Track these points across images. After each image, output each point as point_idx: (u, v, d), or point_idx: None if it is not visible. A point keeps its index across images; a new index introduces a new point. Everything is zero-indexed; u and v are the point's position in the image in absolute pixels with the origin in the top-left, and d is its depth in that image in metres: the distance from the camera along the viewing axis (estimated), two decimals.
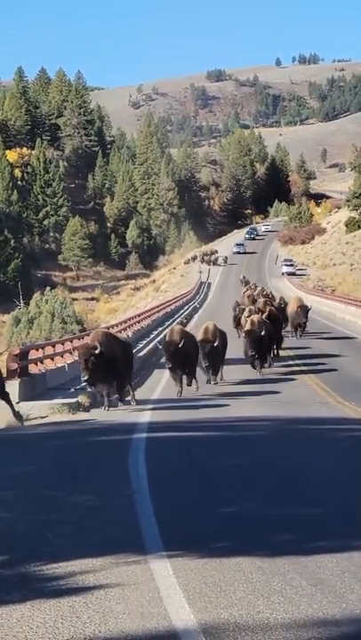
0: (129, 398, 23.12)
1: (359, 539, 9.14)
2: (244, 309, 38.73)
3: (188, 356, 25.30)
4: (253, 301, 43.05)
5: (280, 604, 6.98)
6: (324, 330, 48.11)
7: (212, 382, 27.36)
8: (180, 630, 6.40)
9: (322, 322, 52.85)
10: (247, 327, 30.11)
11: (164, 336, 28.00)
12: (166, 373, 28.32)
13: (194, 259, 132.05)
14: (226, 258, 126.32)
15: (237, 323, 39.91)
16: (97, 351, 21.24)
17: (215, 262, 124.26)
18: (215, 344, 26.51)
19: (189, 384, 25.70)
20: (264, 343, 30.08)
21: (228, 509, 10.43)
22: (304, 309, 43.17)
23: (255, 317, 31.14)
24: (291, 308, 44.09)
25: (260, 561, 8.20)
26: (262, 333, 29.37)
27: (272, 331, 32.18)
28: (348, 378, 29.11)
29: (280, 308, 42.67)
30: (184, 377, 25.53)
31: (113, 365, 21.81)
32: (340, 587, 7.48)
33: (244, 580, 7.66)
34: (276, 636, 6.28)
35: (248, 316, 32.92)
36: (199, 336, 27.02)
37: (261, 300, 41.32)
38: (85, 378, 21.50)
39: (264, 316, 32.67)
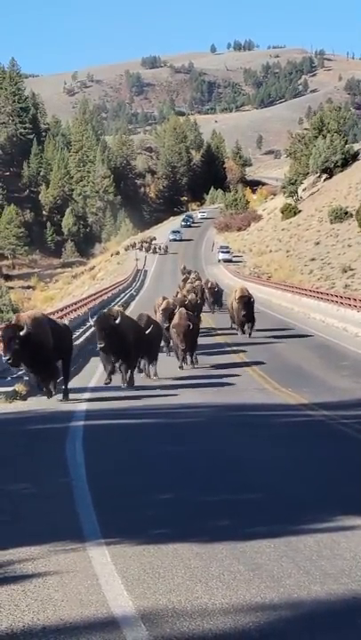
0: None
1: (297, 523, 9.22)
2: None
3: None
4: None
5: (218, 590, 7.02)
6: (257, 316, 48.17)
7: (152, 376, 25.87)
8: (118, 617, 6.40)
9: (258, 308, 53.02)
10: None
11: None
12: None
13: (133, 246, 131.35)
14: (167, 247, 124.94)
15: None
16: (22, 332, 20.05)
17: (155, 251, 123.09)
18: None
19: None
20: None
21: (166, 496, 10.45)
22: (242, 301, 37.09)
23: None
24: (230, 301, 39.77)
25: (199, 547, 8.24)
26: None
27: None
28: (285, 364, 29.27)
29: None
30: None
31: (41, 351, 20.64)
32: (277, 571, 7.54)
33: (182, 565, 7.68)
34: (215, 621, 6.31)
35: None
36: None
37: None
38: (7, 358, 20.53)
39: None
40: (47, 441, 14.85)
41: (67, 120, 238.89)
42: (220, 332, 38.23)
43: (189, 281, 50.85)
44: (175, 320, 27.91)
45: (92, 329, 30.11)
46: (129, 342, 23.09)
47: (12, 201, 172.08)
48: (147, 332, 24.86)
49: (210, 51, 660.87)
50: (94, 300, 57.32)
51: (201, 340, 31.05)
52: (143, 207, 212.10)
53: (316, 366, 28.67)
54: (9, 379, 23.22)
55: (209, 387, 23.67)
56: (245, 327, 37.84)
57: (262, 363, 29.10)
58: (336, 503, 10.18)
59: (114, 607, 6.62)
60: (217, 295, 51.62)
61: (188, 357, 28.70)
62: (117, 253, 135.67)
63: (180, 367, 28.03)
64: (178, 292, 40.75)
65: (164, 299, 31.99)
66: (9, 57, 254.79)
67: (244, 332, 37.79)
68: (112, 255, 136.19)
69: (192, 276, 57.99)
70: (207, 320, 41.52)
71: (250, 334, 37.45)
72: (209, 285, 52.15)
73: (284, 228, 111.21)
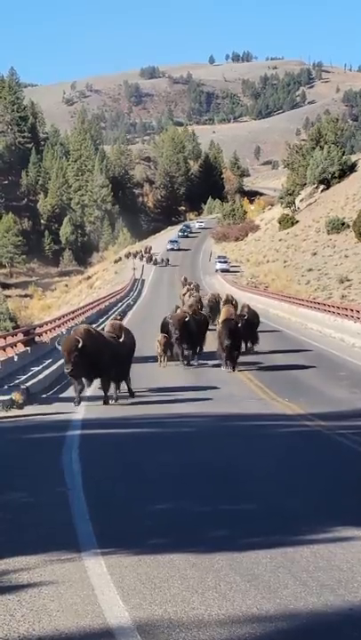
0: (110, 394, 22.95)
1: (294, 534, 9.19)
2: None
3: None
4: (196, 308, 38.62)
5: (214, 600, 6.99)
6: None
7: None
8: (114, 628, 6.38)
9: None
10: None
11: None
12: None
13: (135, 255, 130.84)
14: (168, 259, 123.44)
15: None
16: (80, 344, 21.33)
17: (156, 262, 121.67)
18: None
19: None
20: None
21: (163, 506, 10.42)
22: (227, 327, 29.22)
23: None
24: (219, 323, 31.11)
25: (195, 557, 8.21)
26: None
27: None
28: (282, 374, 29.20)
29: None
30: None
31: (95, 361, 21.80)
32: (274, 582, 7.51)
33: (178, 576, 7.66)
34: (211, 632, 6.29)
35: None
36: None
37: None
38: (69, 370, 21.77)
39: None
40: (44, 450, 14.83)
41: (65, 129, 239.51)
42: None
43: (193, 290, 48.89)
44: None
45: None
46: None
47: (11, 209, 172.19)
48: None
49: (208, 62, 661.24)
50: (91, 308, 57.39)
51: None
52: (141, 217, 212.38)
53: (313, 376, 28.63)
54: (6, 387, 23.19)
55: (206, 396, 23.63)
56: (230, 359, 29.93)
57: (259, 373, 29.08)
58: (333, 514, 10.15)
59: (109, 618, 6.60)
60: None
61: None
62: (120, 259, 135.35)
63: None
64: (178, 308, 37.89)
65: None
66: (8, 66, 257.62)
67: (227, 365, 29.95)
68: (116, 262, 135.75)
69: (190, 287, 57.46)
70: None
71: (233, 367, 29.81)
72: (225, 299, 41.58)
73: (281, 238, 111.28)
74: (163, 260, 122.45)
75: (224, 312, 31.17)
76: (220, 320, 30.71)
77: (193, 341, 31.86)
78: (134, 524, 9.57)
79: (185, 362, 31.43)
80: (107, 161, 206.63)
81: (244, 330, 31.94)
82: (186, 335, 30.88)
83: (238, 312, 34.90)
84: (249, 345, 34.86)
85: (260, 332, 37.58)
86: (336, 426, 17.42)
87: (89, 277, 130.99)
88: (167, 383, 26.51)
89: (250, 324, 34.17)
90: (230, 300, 39.40)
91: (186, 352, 31.68)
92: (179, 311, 33.78)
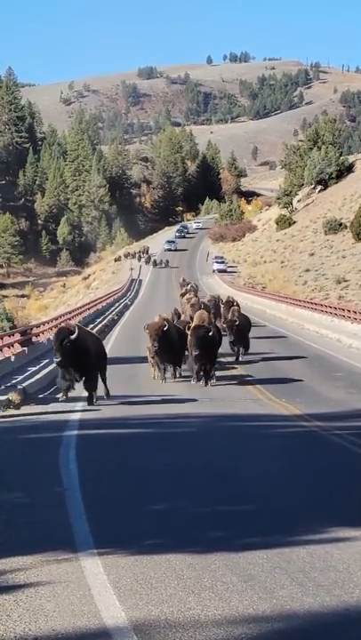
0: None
1: (290, 534, 9.19)
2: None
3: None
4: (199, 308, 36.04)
5: (211, 601, 6.99)
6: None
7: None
8: (111, 628, 6.38)
9: (252, 319, 52.78)
10: None
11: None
12: None
13: (133, 255, 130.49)
14: (167, 260, 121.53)
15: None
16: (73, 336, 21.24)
17: (155, 263, 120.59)
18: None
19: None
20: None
21: (160, 506, 10.42)
22: (195, 335, 25.42)
23: None
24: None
25: (191, 557, 8.21)
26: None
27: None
28: (279, 375, 29.10)
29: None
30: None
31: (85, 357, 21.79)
32: (270, 583, 7.51)
33: (174, 576, 7.66)
34: (207, 632, 6.29)
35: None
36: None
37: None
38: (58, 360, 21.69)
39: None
40: (40, 450, 14.80)
41: (63, 129, 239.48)
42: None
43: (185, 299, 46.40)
44: None
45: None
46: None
47: (8, 209, 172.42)
48: None
49: (206, 62, 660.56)
50: (88, 309, 57.28)
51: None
52: (138, 217, 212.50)
53: (309, 377, 28.57)
54: (3, 387, 23.15)
55: (201, 397, 23.58)
56: (201, 371, 26.09)
57: (256, 373, 29.02)
58: (329, 514, 10.15)
59: (106, 618, 6.60)
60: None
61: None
62: (119, 258, 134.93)
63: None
64: (176, 311, 35.92)
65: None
66: (6, 66, 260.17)
67: (198, 379, 26.24)
68: (115, 260, 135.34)
69: (188, 288, 57.10)
70: None
71: (206, 382, 26.12)
72: (225, 301, 40.47)
73: (278, 238, 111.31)
74: (162, 261, 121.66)
75: (196, 318, 26.94)
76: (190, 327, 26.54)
77: (174, 354, 27.51)
78: (131, 524, 9.56)
79: (172, 376, 27.75)
80: (104, 161, 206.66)
81: (236, 334, 32.38)
82: (166, 346, 26.38)
83: (230, 316, 34.57)
84: (242, 350, 33.73)
85: (258, 335, 37.69)
86: (333, 426, 17.41)
87: (87, 277, 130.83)
88: (164, 384, 26.48)
89: (240, 329, 33.19)
90: (231, 302, 38.51)
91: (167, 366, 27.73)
92: (155, 321, 28.01)
